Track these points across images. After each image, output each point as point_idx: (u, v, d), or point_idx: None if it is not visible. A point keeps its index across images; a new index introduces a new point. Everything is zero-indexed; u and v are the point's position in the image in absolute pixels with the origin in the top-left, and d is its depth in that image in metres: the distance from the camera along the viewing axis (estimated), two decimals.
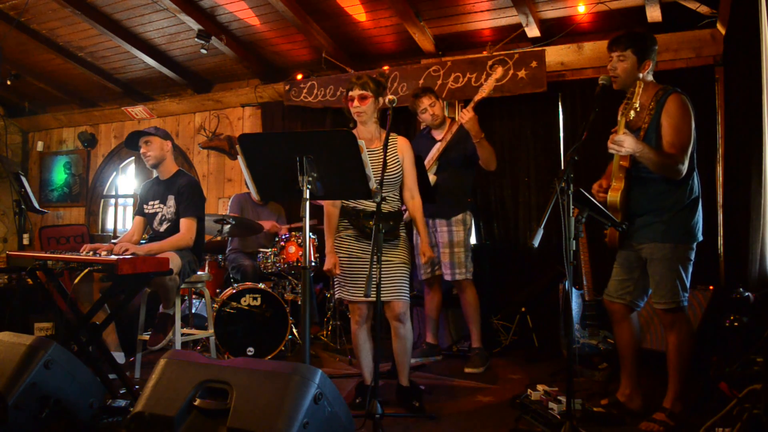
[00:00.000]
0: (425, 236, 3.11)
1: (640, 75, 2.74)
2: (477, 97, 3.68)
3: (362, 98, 2.95)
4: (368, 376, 3.05)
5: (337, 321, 4.51)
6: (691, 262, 2.71)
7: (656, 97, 2.70)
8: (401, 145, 3.06)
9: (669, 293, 2.66)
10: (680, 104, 2.64)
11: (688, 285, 2.70)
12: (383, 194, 2.92)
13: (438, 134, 3.95)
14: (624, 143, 2.54)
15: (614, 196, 2.68)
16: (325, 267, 2.98)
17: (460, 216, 3.89)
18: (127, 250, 3.09)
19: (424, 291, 4.11)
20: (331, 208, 3.03)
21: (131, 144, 3.62)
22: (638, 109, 2.60)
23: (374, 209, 2.91)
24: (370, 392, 2.58)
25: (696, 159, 2.70)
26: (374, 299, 2.72)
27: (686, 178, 2.66)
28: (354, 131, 3.07)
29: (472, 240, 5.14)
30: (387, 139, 2.74)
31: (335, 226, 3.04)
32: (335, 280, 3.08)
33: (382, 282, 2.91)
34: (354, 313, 3.04)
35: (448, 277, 3.87)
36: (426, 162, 3.90)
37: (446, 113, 4.03)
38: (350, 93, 2.99)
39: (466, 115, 3.62)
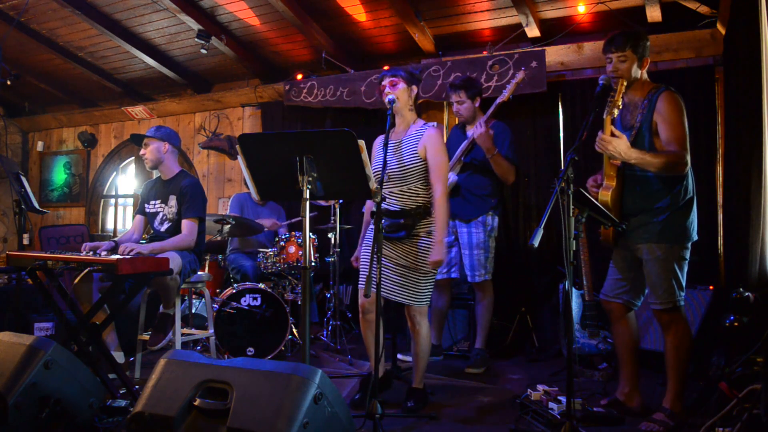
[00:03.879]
0: (440, 238, 2.84)
1: (639, 73, 2.75)
2: (499, 100, 3.68)
3: (393, 84, 2.91)
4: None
5: (337, 321, 4.51)
6: (687, 262, 2.72)
7: (648, 96, 2.71)
8: (426, 136, 2.88)
9: (665, 293, 2.66)
10: (672, 101, 2.65)
11: (684, 284, 2.70)
12: (392, 190, 2.91)
13: (471, 130, 3.82)
14: (610, 145, 2.54)
15: (605, 195, 2.67)
16: (353, 257, 3.20)
17: (480, 218, 3.84)
18: (132, 249, 3.09)
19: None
20: (369, 202, 3.12)
21: (138, 141, 3.69)
22: (620, 107, 2.61)
23: (392, 208, 2.91)
24: (369, 392, 2.58)
25: (694, 158, 2.71)
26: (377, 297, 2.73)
27: (681, 176, 2.66)
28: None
29: None
30: (387, 137, 2.74)
31: (368, 219, 3.15)
32: None
33: (393, 283, 2.91)
34: (361, 307, 3.05)
35: (469, 279, 3.86)
36: (452, 160, 3.84)
37: (477, 111, 3.86)
38: (382, 84, 2.95)
39: (476, 131, 3.59)
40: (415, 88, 2.96)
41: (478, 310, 3.93)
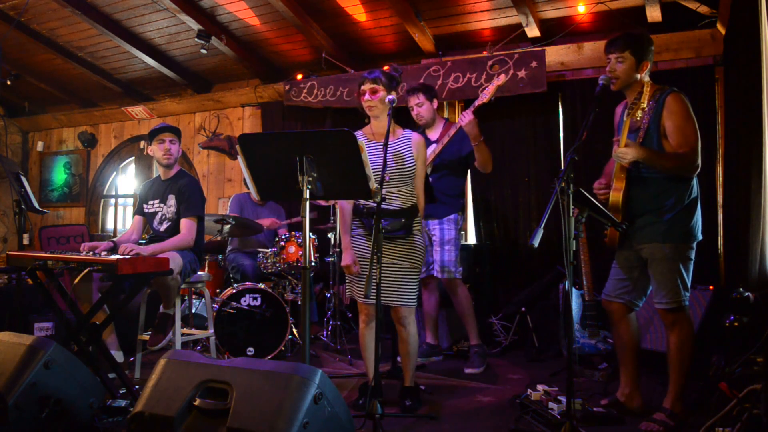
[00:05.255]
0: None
1: (638, 76, 2.75)
2: (478, 102, 3.67)
3: (373, 92, 2.94)
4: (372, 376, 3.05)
5: (337, 321, 4.51)
6: (692, 262, 2.72)
7: (654, 98, 2.71)
8: (416, 141, 3.00)
9: (670, 293, 2.66)
10: (680, 104, 2.65)
11: (689, 284, 2.70)
12: (392, 190, 2.92)
13: (432, 134, 3.93)
14: (627, 155, 2.60)
15: (616, 196, 2.69)
16: (343, 263, 3.03)
17: (452, 216, 3.89)
18: (132, 250, 3.08)
19: (421, 291, 4.10)
20: (344, 203, 3.06)
21: (153, 134, 3.58)
22: (645, 110, 2.62)
23: (392, 207, 2.91)
24: (369, 392, 2.58)
25: None
26: (376, 300, 2.72)
27: (687, 177, 2.67)
28: (367, 127, 3.07)
29: (472, 240, 5.16)
30: (387, 137, 2.74)
31: (348, 221, 3.07)
32: (347, 278, 3.07)
33: (387, 285, 2.91)
34: (361, 312, 3.04)
35: (438, 275, 3.87)
36: None
37: (436, 114, 3.96)
38: (362, 87, 2.98)
39: (465, 118, 3.62)
40: (393, 94, 2.99)
41: (458, 309, 3.93)
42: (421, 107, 3.87)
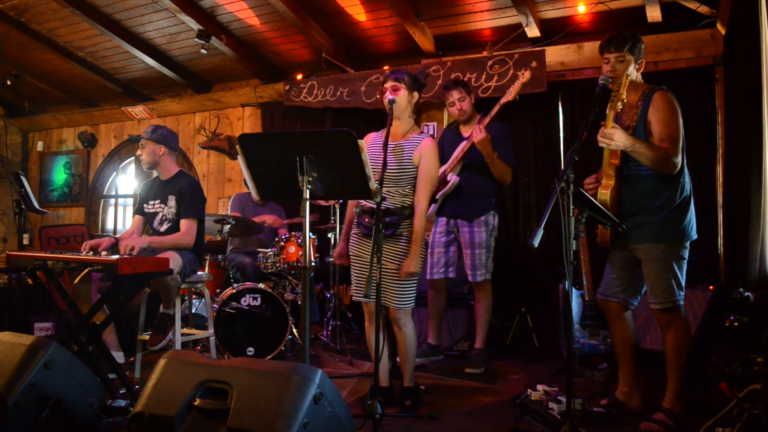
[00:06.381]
0: (415, 251, 2.84)
1: (636, 75, 2.76)
2: (503, 100, 3.66)
3: (394, 89, 2.90)
4: (383, 376, 3.05)
5: (337, 321, 4.51)
6: (686, 261, 2.72)
7: (643, 96, 2.73)
8: (423, 145, 2.91)
9: (665, 293, 2.67)
10: (665, 100, 2.67)
11: (683, 284, 2.70)
12: (382, 189, 2.90)
13: (466, 131, 3.90)
14: (614, 136, 2.56)
15: (605, 194, 2.68)
16: (334, 253, 3.11)
17: (482, 217, 3.85)
18: (133, 248, 3.09)
19: (428, 290, 4.09)
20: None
21: (136, 141, 3.69)
22: (624, 100, 2.61)
23: (374, 206, 2.90)
24: (370, 392, 2.58)
25: (694, 158, 2.72)
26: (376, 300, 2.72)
27: (677, 175, 2.67)
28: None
29: None
30: (387, 137, 2.74)
31: (351, 215, 3.09)
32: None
33: (380, 286, 2.90)
34: (365, 311, 3.04)
35: (470, 279, 3.86)
36: (450, 161, 3.90)
37: (473, 110, 3.95)
38: (384, 86, 2.94)
39: (477, 135, 3.60)
40: (416, 95, 2.97)
41: (477, 310, 3.93)
42: (463, 102, 3.85)
